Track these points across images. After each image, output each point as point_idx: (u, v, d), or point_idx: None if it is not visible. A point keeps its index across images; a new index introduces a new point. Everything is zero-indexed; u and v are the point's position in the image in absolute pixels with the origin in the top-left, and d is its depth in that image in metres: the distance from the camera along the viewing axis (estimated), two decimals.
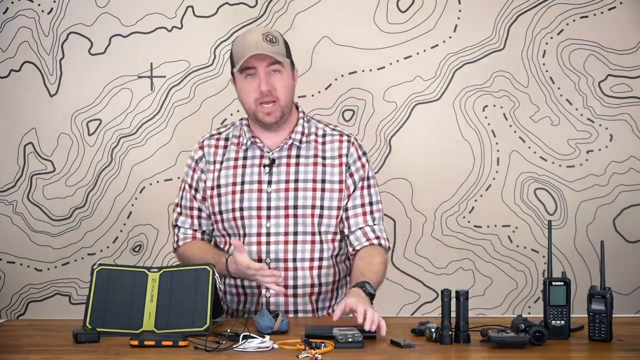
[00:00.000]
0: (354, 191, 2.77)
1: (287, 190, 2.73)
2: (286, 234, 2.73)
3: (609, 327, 2.30)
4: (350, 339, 2.24)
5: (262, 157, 2.77)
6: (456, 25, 3.70)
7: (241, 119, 2.87)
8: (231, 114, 3.72)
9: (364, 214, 2.78)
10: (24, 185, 3.72)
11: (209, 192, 2.79)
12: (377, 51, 3.70)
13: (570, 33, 3.69)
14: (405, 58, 3.71)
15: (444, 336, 2.28)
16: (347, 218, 2.78)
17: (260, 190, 2.74)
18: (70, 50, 3.71)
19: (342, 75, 3.65)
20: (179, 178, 3.72)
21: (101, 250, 3.73)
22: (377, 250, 2.75)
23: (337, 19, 3.66)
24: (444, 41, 3.70)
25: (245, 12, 3.70)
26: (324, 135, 2.81)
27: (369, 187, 2.80)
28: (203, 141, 2.85)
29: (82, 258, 3.72)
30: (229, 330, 2.32)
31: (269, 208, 2.73)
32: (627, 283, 3.69)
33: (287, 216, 2.73)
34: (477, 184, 3.72)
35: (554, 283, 2.34)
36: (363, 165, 2.80)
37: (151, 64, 3.71)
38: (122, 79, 3.71)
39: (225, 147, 2.82)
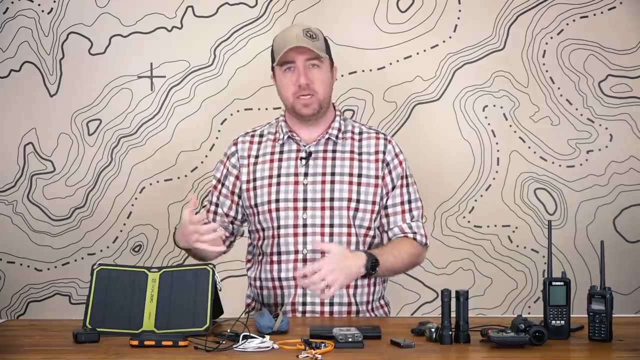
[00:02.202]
0: (393, 189, 2.82)
1: (323, 182, 2.77)
2: (322, 225, 2.75)
3: (609, 327, 2.29)
4: (350, 339, 2.24)
5: (298, 150, 2.81)
6: (456, 25, 3.70)
7: (277, 118, 2.88)
8: (231, 114, 3.72)
9: (403, 212, 2.83)
10: (24, 185, 3.72)
11: (244, 186, 2.82)
12: (377, 51, 3.70)
13: (570, 33, 3.69)
14: (405, 58, 3.71)
15: (444, 336, 2.28)
16: (387, 215, 2.82)
17: (296, 183, 2.77)
18: (70, 50, 3.71)
19: (342, 75, 3.65)
20: (178, 178, 3.72)
21: (101, 250, 3.73)
22: (409, 241, 2.80)
23: (337, 19, 3.66)
24: (444, 41, 3.70)
25: (245, 12, 3.71)
26: (360, 133, 2.85)
27: (407, 185, 2.84)
28: (238, 138, 2.89)
29: (82, 258, 3.72)
30: (229, 330, 2.32)
31: (305, 200, 2.76)
32: (627, 283, 3.69)
33: (323, 208, 2.75)
34: (477, 184, 3.72)
35: (554, 283, 2.34)
36: (400, 163, 2.84)
37: (151, 64, 3.71)
38: (122, 79, 3.71)
39: (260, 142, 2.86)
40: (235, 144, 2.87)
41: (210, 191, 2.92)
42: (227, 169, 2.86)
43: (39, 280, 3.73)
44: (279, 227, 2.76)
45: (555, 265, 3.53)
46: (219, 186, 2.87)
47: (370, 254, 2.63)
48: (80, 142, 3.72)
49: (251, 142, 2.86)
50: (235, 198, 2.85)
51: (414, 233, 2.82)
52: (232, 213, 2.86)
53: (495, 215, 3.72)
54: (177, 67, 3.72)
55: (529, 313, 3.68)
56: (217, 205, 2.87)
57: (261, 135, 2.87)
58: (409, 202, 2.83)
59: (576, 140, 3.70)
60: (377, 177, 2.80)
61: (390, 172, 2.82)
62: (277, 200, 2.77)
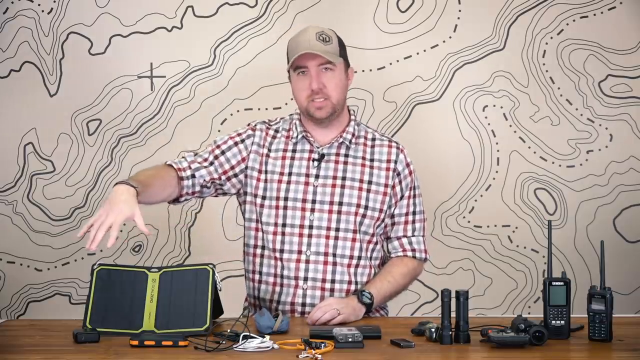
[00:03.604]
0: (401, 199, 2.82)
1: (333, 186, 2.76)
2: (328, 228, 2.75)
3: (609, 327, 2.29)
4: (350, 339, 2.25)
5: (311, 151, 2.80)
6: (456, 25, 3.70)
7: (291, 114, 2.87)
8: (231, 114, 3.72)
9: (406, 222, 2.84)
10: (24, 185, 3.72)
11: (255, 174, 2.80)
12: (377, 51, 3.70)
13: (570, 33, 3.69)
14: (405, 58, 3.71)
15: (444, 336, 2.28)
16: (392, 225, 2.84)
17: (307, 183, 2.77)
18: (70, 50, 3.71)
19: None
20: None
21: (101, 250, 3.72)
22: (405, 261, 2.83)
23: (337, 19, 3.66)
24: (444, 41, 3.70)
25: (245, 12, 3.71)
26: (373, 139, 2.85)
27: (414, 196, 2.85)
28: (255, 125, 2.85)
29: (82, 258, 3.72)
30: (229, 330, 2.32)
31: (314, 201, 2.76)
32: (627, 283, 3.69)
33: (330, 211, 2.75)
34: (477, 184, 3.72)
35: (554, 283, 2.34)
36: (410, 173, 2.84)
37: (151, 64, 3.71)
38: (122, 79, 3.71)
39: (274, 137, 2.84)
40: (254, 129, 2.84)
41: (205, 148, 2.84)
42: (237, 146, 2.80)
43: (39, 280, 3.73)
44: (284, 225, 2.76)
45: (555, 265, 3.53)
46: (217, 151, 2.80)
47: (361, 290, 2.69)
48: (80, 142, 3.72)
49: (267, 134, 2.84)
50: (231, 173, 2.80)
51: (413, 250, 2.84)
52: (217, 181, 2.79)
53: (495, 215, 3.72)
54: (177, 67, 3.72)
55: (529, 313, 3.68)
56: (211, 164, 2.77)
57: (276, 130, 2.85)
58: (414, 213, 2.84)
59: (576, 140, 3.71)
60: (386, 185, 2.80)
61: (400, 182, 2.82)
62: (286, 199, 2.76)
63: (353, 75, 2.84)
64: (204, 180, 2.78)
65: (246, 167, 2.81)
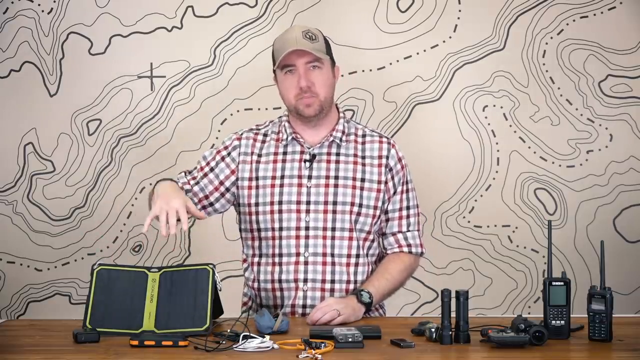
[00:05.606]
0: (394, 194, 2.82)
1: (327, 185, 2.76)
2: (324, 229, 2.74)
3: (609, 327, 2.29)
4: (350, 339, 2.24)
5: (302, 152, 2.79)
6: (456, 25, 3.70)
7: (280, 117, 2.86)
8: (231, 114, 3.72)
9: (400, 218, 2.83)
10: (24, 185, 3.73)
11: (245, 183, 2.79)
12: (377, 51, 3.70)
13: (570, 33, 3.69)
14: (405, 58, 3.71)
15: (444, 336, 2.28)
16: (387, 220, 2.83)
17: (300, 185, 2.76)
18: (70, 50, 3.71)
19: (342, 75, 3.64)
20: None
21: (101, 250, 3.73)
22: (401, 257, 2.82)
23: (337, 19, 3.66)
24: (444, 41, 3.71)
25: (245, 12, 3.71)
26: (363, 136, 2.84)
27: (407, 191, 2.84)
28: (242, 134, 2.85)
29: (82, 258, 3.72)
30: (229, 330, 2.32)
31: (308, 202, 2.75)
32: (627, 283, 3.69)
33: (325, 211, 2.75)
34: (477, 184, 3.72)
35: (554, 283, 2.34)
36: (402, 168, 2.84)
37: (151, 64, 3.72)
38: (122, 79, 3.71)
39: (264, 142, 2.83)
40: (239, 138, 2.83)
41: (194, 168, 2.84)
42: (224, 161, 2.81)
43: (39, 280, 3.73)
44: (280, 229, 2.76)
45: (555, 265, 3.53)
46: (206, 168, 2.81)
47: (359, 290, 2.68)
48: (80, 142, 3.73)
49: (255, 140, 2.83)
50: (222, 189, 2.81)
51: (409, 245, 2.83)
52: (212, 199, 2.81)
53: (495, 215, 3.72)
54: (177, 67, 3.72)
55: (529, 313, 3.68)
56: (197, 183, 2.80)
57: (265, 135, 2.84)
58: (408, 208, 2.84)
59: (576, 140, 3.71)
60: (379, 182, 2.79)
61: (392, 177, 2.81)
62: (280, 202, 2.75)
63: (339, 73, 2.84)
64: (194, 202, 2.76)
65: (237, 179, 2.81)
